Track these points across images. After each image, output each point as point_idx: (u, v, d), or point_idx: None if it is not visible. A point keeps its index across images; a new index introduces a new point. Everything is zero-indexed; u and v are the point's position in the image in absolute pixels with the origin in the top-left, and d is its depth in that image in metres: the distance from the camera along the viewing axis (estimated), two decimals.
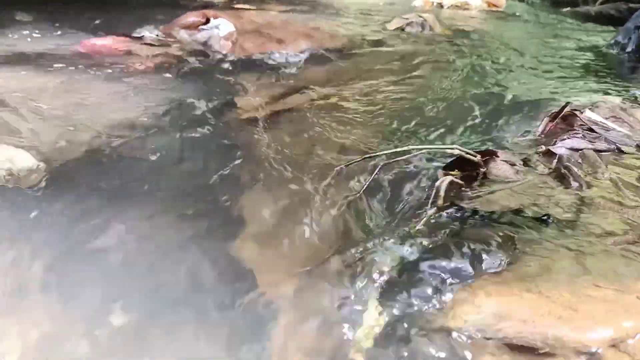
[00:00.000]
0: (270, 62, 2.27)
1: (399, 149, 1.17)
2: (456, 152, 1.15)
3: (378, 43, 2.59)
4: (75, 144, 1.34)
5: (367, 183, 1.10)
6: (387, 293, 0.89)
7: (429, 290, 0.87)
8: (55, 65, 2.01)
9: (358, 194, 1.10)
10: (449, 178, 1.11)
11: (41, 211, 1.07)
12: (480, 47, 2.59)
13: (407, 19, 2.96)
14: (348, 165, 1.16)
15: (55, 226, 1.05)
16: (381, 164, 1.13)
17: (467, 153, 1.22)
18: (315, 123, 1.59)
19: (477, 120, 1.61)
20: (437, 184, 1.09)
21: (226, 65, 2.18)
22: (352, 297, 0.90)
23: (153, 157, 1.35)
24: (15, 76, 1.82)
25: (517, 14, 3.68)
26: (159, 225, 1.12)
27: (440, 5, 3.92)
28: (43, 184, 1.13)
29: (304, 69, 2.17)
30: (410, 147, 1.17)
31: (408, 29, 2.89)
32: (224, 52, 2.40)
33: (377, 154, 1.17)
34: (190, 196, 1.23)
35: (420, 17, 2.97)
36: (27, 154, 1.18)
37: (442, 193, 1.08)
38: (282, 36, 2.62)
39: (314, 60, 2.30)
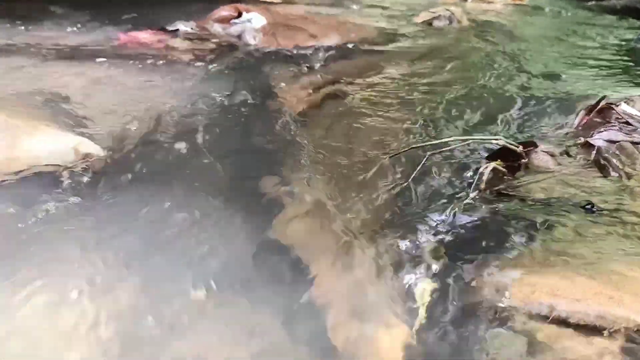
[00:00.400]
0: (303, 55, 2.32)
1: (444, 140, 1.22)
2: (501, 142, 1.20)
3: (407, 36, 2.63)
4: (130, 133, 1.41)
5: (416, 171, 1.15)
6: (435, 267, 0.95)
7: (476, 266, 0.92)
8: (99, 59, 2.08)
9: (406, 182, 1.15)
10: (492, 165, 1.16)
11: (106, 192, 1.14)
12: (509, 41, 2.60)
13: (434, 12, 2.98)
14: (396, 155, 1.22)
15: (120, 206, 1.12)
16: (428, 153, 1.18)
17: (510, 144, 1.27)
18: (354, 113, 1.64)
19: (512, 114, 1.65)
20: (480, 169, 1.14)
21: (261, 58, 2.24)
22: (400, 268, 0.95)
23: (199, 146, 1.42)
24: (65, 71, 1.90)
25: (542, 7, 3.67)
26: (210, 207, 1.17)
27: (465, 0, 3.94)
28: (106, 168, 1.20)
29: (336, 62, 2.22)
30: (455, 138, 1.22)
31: (435, 22, 2.92)
32: (258, 45, 2.46)
33: (424, 144, 1.22)
34: (236, 181, 1.28)
35: (448, 10, 2.99)
36: (90, 141, 1.25)
37: (484, 178, 1.14)
38: (312, 30, 2.67)
39: (345, 53, 2.34)
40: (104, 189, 1.14)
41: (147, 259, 0.98)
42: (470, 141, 1.20)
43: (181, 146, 1.40)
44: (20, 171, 1.15)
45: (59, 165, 1.17)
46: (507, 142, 1.24)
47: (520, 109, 1.69)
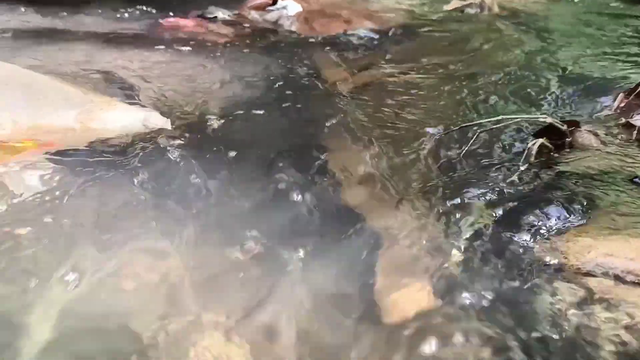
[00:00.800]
0: (340, 40, 2.38)
1: (493, 119, 1.28)
2: (548, 120, 1.26)
3: (439, 23, 2.67)
4: (190, 109, 1.49)
5: (467, 147, 1.22)
6: (487, 231, 1.02)
7: (530, 230, 0.99)
8: (146, 44, 2.18)
9: (458, 157, 1.22)
10: (540, 141, 1.22)
11: (176, 158, 1.23)
12: (541, 28, 2.64)
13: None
14: (447, 132, 1.29)
15: (188, 172, 1.20)
16: (478, 130, 1.25)
17: (556, 122, 1.33)
18: (396, 96, 1.71)
19: (550, 97, 1.70)
20: (529, 145, 1.21)
21: (300, 43, 2.31)
22: (451, 230, 1.02)
23: (256, 121, 1.50)
24: (116, 55, 1.99)
25: None
26: (270, 178, 1.25)
27: None
28: (174, 140, 1.29)
29: (373, 47, 2.28)
30: (503, 117, 1.28)
31: (467, 9, 2.96)
32: (295, 31, 2.53)
33: (474, 122, 1.29)
34: (292, 153, 1.36)
35: None
36: (157, 114, 1.34)
37: (533, 152, 1.20)
38: (346, 16, 2.73)
39: (381, 39, 2.40)
40: (173, 159, 1.23)
41: (222, 221, 1.07)
42: (519, 119, 1.27)
43: (239, 122, 1.48)
44: (96, 141, 1.24)
45: (131, 136, 1.26)
46: (554, 121, 1.29)
47: (558, 92, 1.74)
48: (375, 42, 2.31)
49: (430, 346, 0.80)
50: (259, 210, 1.14)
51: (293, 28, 2.56)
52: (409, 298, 0.89)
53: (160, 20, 2.60)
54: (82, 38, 2.28)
